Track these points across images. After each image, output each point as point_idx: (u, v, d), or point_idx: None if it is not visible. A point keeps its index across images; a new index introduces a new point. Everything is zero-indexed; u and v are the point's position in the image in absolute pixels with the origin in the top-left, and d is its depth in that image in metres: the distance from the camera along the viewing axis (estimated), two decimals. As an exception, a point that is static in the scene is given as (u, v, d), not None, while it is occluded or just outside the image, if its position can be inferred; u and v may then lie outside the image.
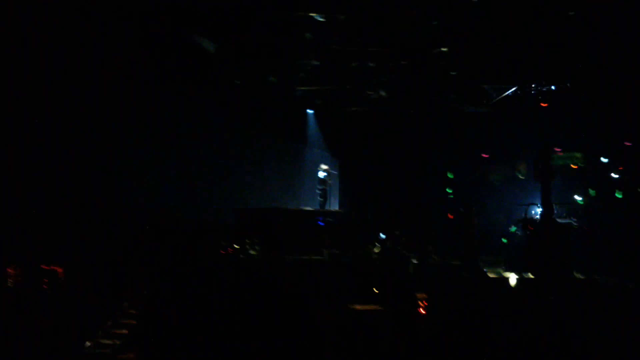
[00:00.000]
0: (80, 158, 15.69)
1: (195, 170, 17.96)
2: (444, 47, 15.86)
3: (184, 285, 14.01)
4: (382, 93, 18.48)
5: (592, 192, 18.38)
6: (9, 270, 13.56)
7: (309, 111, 21.14)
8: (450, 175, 20.59)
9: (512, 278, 14.62)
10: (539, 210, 16.40)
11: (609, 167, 18.44)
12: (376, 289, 14.26)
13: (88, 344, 13.08)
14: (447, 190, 20.26)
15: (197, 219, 16.88)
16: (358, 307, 13.29)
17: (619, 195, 17.84)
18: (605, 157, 18.53)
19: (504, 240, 18.35)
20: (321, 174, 19.23)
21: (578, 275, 15.07)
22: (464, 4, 14.05)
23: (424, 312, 13.46)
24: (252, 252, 16.32)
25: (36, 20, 13.77)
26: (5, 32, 13.47)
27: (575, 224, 15.69)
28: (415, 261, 16.14)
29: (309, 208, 19.13)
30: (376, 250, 16.81)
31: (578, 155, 19.02)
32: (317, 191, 19.33)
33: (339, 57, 16.53)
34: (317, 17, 14.57)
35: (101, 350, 13.00)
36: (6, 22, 13.42)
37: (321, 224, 18.07)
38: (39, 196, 14.82)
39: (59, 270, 14.10)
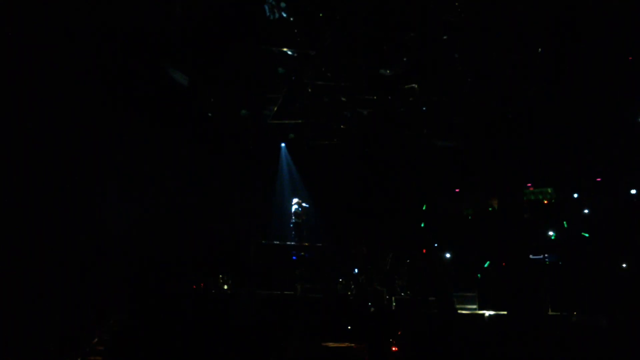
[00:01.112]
0: (40, 185, 15.44)
1: (166, 203, 17.74)
2: (414, 83, 15.99)
3: (154, 321, 13.77)
4: (354, 127, 18.52)
5: (565, 224, 18.48)
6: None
7: (282, 144, 21.10)
8: (423, 207, 20.61)
9: (486, 314, 14.57)
10: None
11: (580, 203, 18.57)
12: (349, 326, 14.08)
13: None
14: (421, 225, 20.22)
15: (169, 252, 16.62)
16: (330, 344, 13.11)
17: (585, 234, 17.95)
18: (576, 193, 18.68)
19: (478, 276, 18.29)
20: (294, 208, 19.13)
21: (552, 312, 15.05)
22: (434, 41, 14.23)
23: (396, 349, 13.31)
24: (224, 286, 16.11)
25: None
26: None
27: (547, 260, 15.72)
28: (388, 297, 16.02)
29: (282, 242, 18.96)
30: (347, 285, 16.67)
31: (549, 190, 19.16)
32: (291, 225, 19.21)
33: (311, 91, 16.58)
34: (289, 52, 14.65)
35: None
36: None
37: (294, 258, 17.91)
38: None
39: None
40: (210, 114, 17.91)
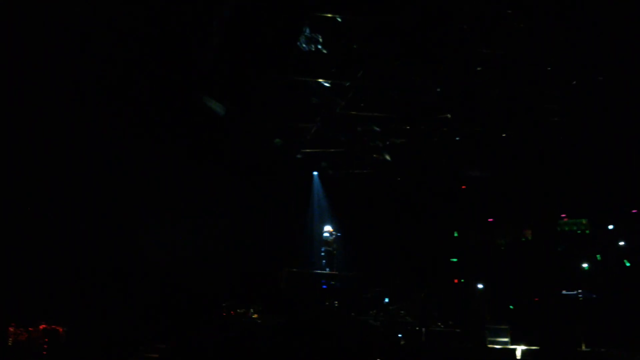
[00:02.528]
0: (82, 216, 15.70)
1: (198, 231, 17.91)
2: (448, 113, 16.01)
3: (184, 349, 13.84)
4: (387, 157, 18.55)
5: (598, 257, 18.24)
6: (10, 329, 13.41)
7: (314, 173, 21.21)
8: (455, 234, 20.55)
9: (518, 350, 14.38)
10: None
11: (615, 234, 18.31)
12: (379, 358, 14.00)
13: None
14: (452, 259, 20.12)
15: (201, 281, 16.74)
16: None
17: (627, 263, 17.66)
18: (611, 224, 18.43)
19: (511, 307, 18.08)
20: (325, 236, 19.14)
21: (584, 348, 14.80)
22: (468, 71, 14.25)
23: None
24: (254, 315, 16.14)
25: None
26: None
27: (581, 296, 15.52)
28: (418, 328, 15.90)
29: (312, 270, 18.96)
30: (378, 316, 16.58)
31: (584, 221, 18.93)
32: (322, 253, 19.19)
33: (343, 121, 16.69)
34: (323, 82, 14.80)
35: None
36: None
37: (324, 287, 17.90)
38: (40, 254, 14.83)
39: (60, 329, 13.99)
40: (245, 143, 18.08)
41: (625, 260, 17.85)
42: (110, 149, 15.81)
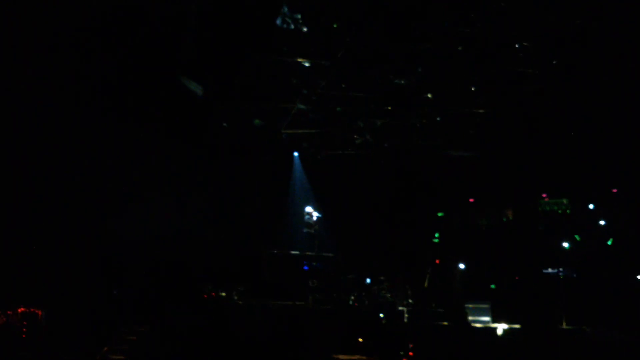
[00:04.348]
0: (61, 198, 15.58)
1: (178, 212, 17.79)
2: (429, 93, 15.93)
3: (166, 330, 13.79)
4: (368, 137, 18.47)
5: (577, 237, 18.35)
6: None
7: (295, 154, 21.10)
8: (439, 215, 20.61)
9: (499, 328, 14.46)
10: None
11: (595, 214, 18.42)
12: (361, 338, 14.02)
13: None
14: (435, 235, 20.15)
15: (181, 261, 16.66)
16: (342, 356, 13.05)
17: (608, 242, 17.80)
18: (592, 204, 18.54)
19: (492, 287, 18.19)
20: (307, 218, 19.07)
21: (566, 326, 14.93)
22: (448, 51, 14.18)
23: (409, 361, 13.25)
24: (235, 297, 16.10)
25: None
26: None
27: (562, 274, 15.62)
28: (401, 308, 15.94)
29: (294, 252, 18.93)
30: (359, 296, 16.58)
31: (564, 201, 19.02)
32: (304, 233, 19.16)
33: (324, 101, 16.56)
34: (303, 63, 14.66)
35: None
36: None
37: (306, 268, 17.87)
38: (18, 237, 14.73)
39: (39, 312, 13.89)
40: (224, 124, 17.93)
41: (609, 239, 17.99)
42: (91, 130, 15.66)
